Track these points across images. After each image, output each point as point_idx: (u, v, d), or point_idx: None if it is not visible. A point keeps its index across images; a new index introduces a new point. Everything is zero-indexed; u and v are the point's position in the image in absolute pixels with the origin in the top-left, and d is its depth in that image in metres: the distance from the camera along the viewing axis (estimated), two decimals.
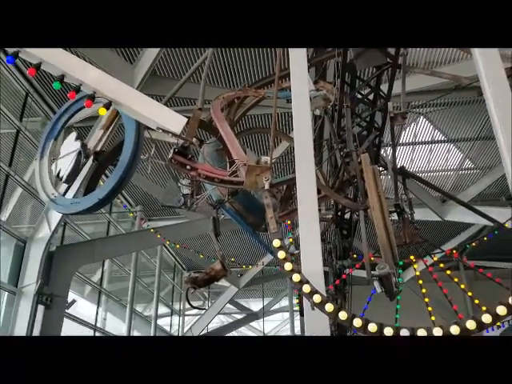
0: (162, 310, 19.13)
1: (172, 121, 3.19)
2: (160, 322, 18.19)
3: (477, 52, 3.67)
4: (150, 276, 17.89)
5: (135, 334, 16.44)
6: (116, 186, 3.79)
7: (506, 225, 6.87)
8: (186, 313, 21.67)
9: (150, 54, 8.49)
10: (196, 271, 4.84)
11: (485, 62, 3.60)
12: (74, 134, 4.17)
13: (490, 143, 11.78)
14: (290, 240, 7.32)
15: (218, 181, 3.51)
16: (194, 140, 3.52)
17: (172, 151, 3.42)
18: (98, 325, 13.67)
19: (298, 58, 3.88)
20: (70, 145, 4.08)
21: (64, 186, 4.14)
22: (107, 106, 3.27)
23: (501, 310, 2.33)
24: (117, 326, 15.21)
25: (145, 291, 17.74)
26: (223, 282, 18.31)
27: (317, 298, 2.63)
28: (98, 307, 13.90)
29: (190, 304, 5.18)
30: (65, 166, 4.01)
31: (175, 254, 19.84)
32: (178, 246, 14.38)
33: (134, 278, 15.26)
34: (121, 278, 16.16)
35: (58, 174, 4.04)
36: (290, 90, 3.79)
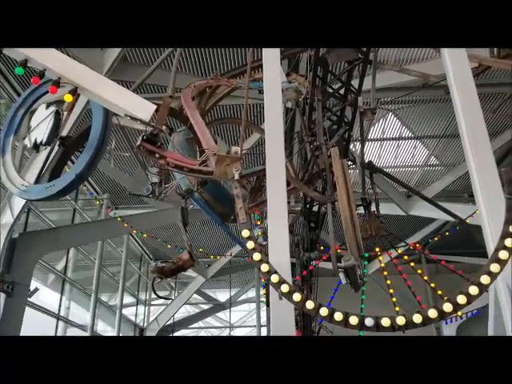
0: (128, 299, 18.92)
1: (140, 108, 3.14)
2: (125, 311, 18.00)
3: (445, 51, 3.76)
4: (116, 265, 17.64)
5: (99, 323, 16.21)
6: (90, 161, 3.70)
7: (467, 221, 7.11)
8: (152, 303, 21.51)
9: None
10: (163, 261, 4.80)
11: (452, 61, 3.70)
12: (43, 105, 4.02)
13: (455, 141, 12.13)
14: (259, 234, 7.35)
15: (188, 170, 3.48)
16: (164, 128, 3.48)
17: (140, 138, 3.36)
18: (62, 314, 13.41)
19: (271, 49, 3.87)
20: (42, 114, 3.93)
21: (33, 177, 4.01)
22: (73, 92, 3.18)
23: (461, 299, 2.40)
24: (81, 315, 14.97)
25: (110, 280, 17.49)
26: (190, 273, 18.24)
27: (285, 288, 2.65)
28: (61, 296, 13.63)
29: (155, 294, 5.14)
30: (41, 132, 3.84)
31: (142, 244, 19.61)
32: (145, 235, 14.21)
33: (100, 267, 15.02)
34: (86, 266, 15.87)
35: (35, 143, 3.87)
36: (263, 81, 3.79)
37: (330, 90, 6.40)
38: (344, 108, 6.44)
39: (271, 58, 3.85)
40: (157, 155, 3.41)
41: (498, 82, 9.83)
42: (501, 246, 2.45)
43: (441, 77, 4.81)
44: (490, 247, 2.79)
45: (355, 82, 6.25)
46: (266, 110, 3.58)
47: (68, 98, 3.20)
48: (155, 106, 3.17)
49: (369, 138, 11.79)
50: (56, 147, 4.01)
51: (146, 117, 3.13)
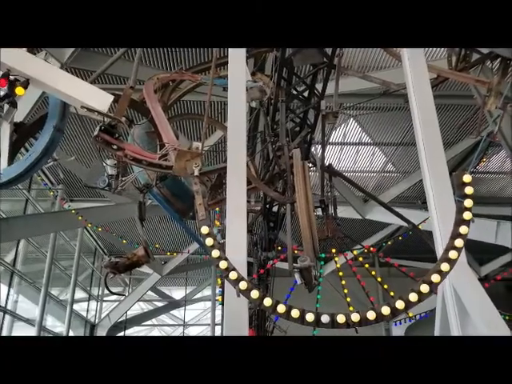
0: (79, 294, 18.38)
1: (97, 99, 3.06)
2: (76, 307, 17.48)
3: (406, 61, 3.87)
4: (69, 259, 17.09)
5: (49, 318, 15.66)
6: (48, 145, 3.56)
7: (420, 226, 7.35)
8: (105, 299, 20.98)
9: None
10: (117, 256, 4.68)
11: (412, 70, 3.81)
12: None
13: (412, 149, 12.52)
14: (217, 224, 7.32)
15: (146, 163, 3.41)
16: (123, 119, 3.39)
17: (98, 128, 3.26)
18: (9, 307, 12.86)
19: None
20: None
21: None
22: (25, 84, 3.06)
23: (412, 297, 2.49)
24: (29, 310, 14.41)
25: (62, 274, 16.92)
26: (145, 269, 17.93)
27: (243, 285, 2.66)
28: (9, 289, 13.07)
29: (108, 289, 5.02)
30: None
31: (97, 238, 19.10)
32: (100, 229, 13.85)
33: (51, 260, 14.50)
34: (36, 259, 15.28)
35: None
36: (227, 79, 3.77)
37: (295, 92, 6.46)
38: (307, 110, 6.52)
39: (237, 56, 3.84)
40: (114, 147, 3.32)
41: (454, 94, 10.23)
42: (450, 246, 2.56)
43: (401, 85, 4.94)
44: (440, 251, 2.89)
45: (319, 86, 6.34)
46: (229, 108, 3.57)
47: (20, 92, 3.09)
48: (113, 97, 3.10)
49: (330, 141, 11.98)
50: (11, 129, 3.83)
51: (103, 107, 3.05)
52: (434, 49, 9.03)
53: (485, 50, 5.01)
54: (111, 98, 3.05)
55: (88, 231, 17.72)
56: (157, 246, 15.40)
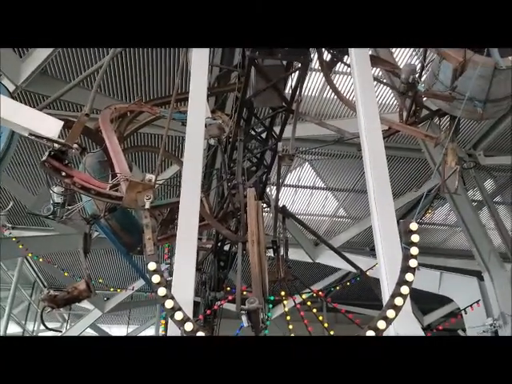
0: (13, 328, 17.14)
1: (45, 125, 2.96)
2: None
3: (360, 111, 4.02)
4: (4, 290, 16.01)
5: None
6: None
7: (368, 273, 7.46)
8: (40, 334, 19.66)
9: (42, 51, 7.88)
10: (56, 289, 4.43)
11: (366, 121, 3.96)
12: None
13: (362, 196, 12.90)
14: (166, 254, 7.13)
15: (95, 193, 3.29)
16: (75, 146, 3.28)
17: (47, 154, 3.14)
18: None
19: (199, 83, 3.89)
20: None
21: None
22: None
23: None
24: None
25: None
26: (87, 305, 17.06)
27: (188, 327, 2.57)
28: None
29: (44, 325, 4.74)
30: None
31: (37, 269, 18.07)
32: (41, 259, 13.12)
33: None
34: None
35: None
36: (187, 114, 3.76)
37: (253, 133, 6.57)
38: (264, 151, 6.61)
39: (198, 92, 3.87)
40: (63, 173, 3.19)
41: (404, 147, 10.74)
42: (397, 293, 2.58)
43: (355, 134, 5.12)
44: (386, 298, 2.91)
45: (277, 129, 6.48)
46: (186, 143, 3.55)
47: None
48: (62, 122, 3.00)
49: (285, 183, 12.17)
50: None
51: (53, 134, 2.95)
52: (387, 102, 9.53)
53: (433, 107, 5.32)
54: (61, 123, 2.96)
55: (28, 261, 16.76)
56: (100, 280, 14.74)
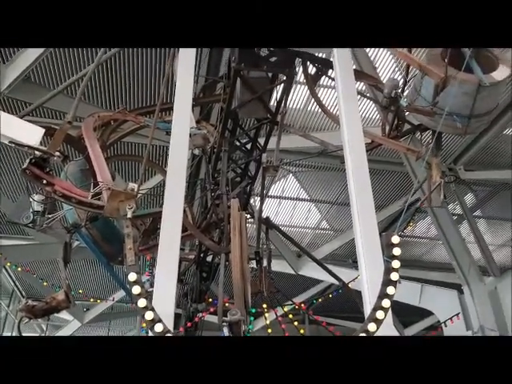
0: None
1: (26, 133, 2.93)
2: None
3: (344, 124, 4.07)
4: None
5: None
6: None
7: (350, 285, 7.49)
8: None
9: (26, 57, 7.80)
10: (35, 299, 4.34)
11: (349, 134, 4.00)
12: None
13: (346, 209, 12.98)
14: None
15: (76, 201, 3.24)
16: (57, 154, 3.23)
17: (28, 161, 3.09)
18: None
19: (184, 92, 3.89)
20: None
21: None
22: None
23: None
24: None
25: None
26: (66, 315, 16.72)
27: None
28: None
29: (21, 336, 4.62)
30: None
31: (15, 278, 17.65)
32: (20, 268, 12.85)
33: None
34: None
35: None
36: (171, 123, 3.75)
37: (238, 143, 6.58)
38: (249, 162, 6.63)
39: (183, 101, 3.86)
40: (44, 181, 3.14)
41: (386, 160, 10.88)
42: (378, 306, 2.59)
43: (338, 147, 5.17)
44: (368, 310, 2.92)
45: (262, 140, 6.51)
46: (170, 152, 3.53)
47: None
48: (43, 130, 2.97)
49: (269, 194, 12.18)
50: None
51: (34, 142, 2.91)
52: (370, 116, 9.65)
53: (415, 122, 5.41)
54: (42, 131, 2.93)
55: (6, 270, 16.38)
56: (80, 291, 14.47)
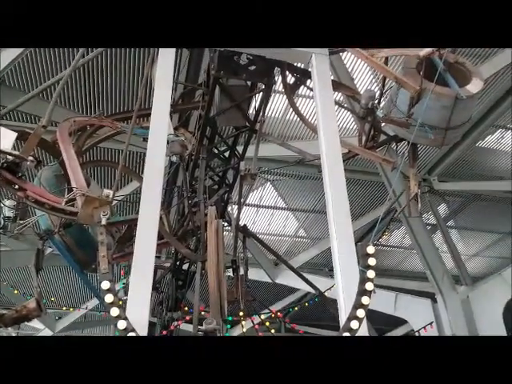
0: None
1: None
2: None
3: (321, 134, 4.11)
4: None
5: None
6: None
7: (326, 293, 7.52)
8: None
9: (1, 59, 7.64)
10: (4, 308, 4.21)
11: (326, 144, 4.04)
12: None
13: (322, 217, 13.08)
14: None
15: (49, 207, 3.17)
16: (30, 158, 3.16)
17: None
18: None
19: (162, 98, 3.86)
20: None
21: None
22: None
23: None
24: None
25: None
26: (37, 324, 16.27)
27: None
28: None
29: None
30: None
31: None
32: None
33: None
34: None
35: None
36: (148, 129, 3.72)
37: (216, 151, 6.56)
38: (227, 170, 6.61)
39: (161, 107, 3.83)
40: (16, 186, 3.06)
41: (362, 170, 11.03)
42: (353, 316, 2.61)
43: (316, 156, 5.20)
44: (343, 319, 2.94)
45: (240, 148, 6.51)
46: (147, 159, 3.49)
47: None
48: (15, 134, 2.91)
49: (246, 202, 12.16)
50: None
51: (6, 146, 2.84)
52: (347, 126, 9.79)
53: (391, 133, 5.50)
54: (14, 135, 2.87)
55: None
56: (52, 299, 14.15)
